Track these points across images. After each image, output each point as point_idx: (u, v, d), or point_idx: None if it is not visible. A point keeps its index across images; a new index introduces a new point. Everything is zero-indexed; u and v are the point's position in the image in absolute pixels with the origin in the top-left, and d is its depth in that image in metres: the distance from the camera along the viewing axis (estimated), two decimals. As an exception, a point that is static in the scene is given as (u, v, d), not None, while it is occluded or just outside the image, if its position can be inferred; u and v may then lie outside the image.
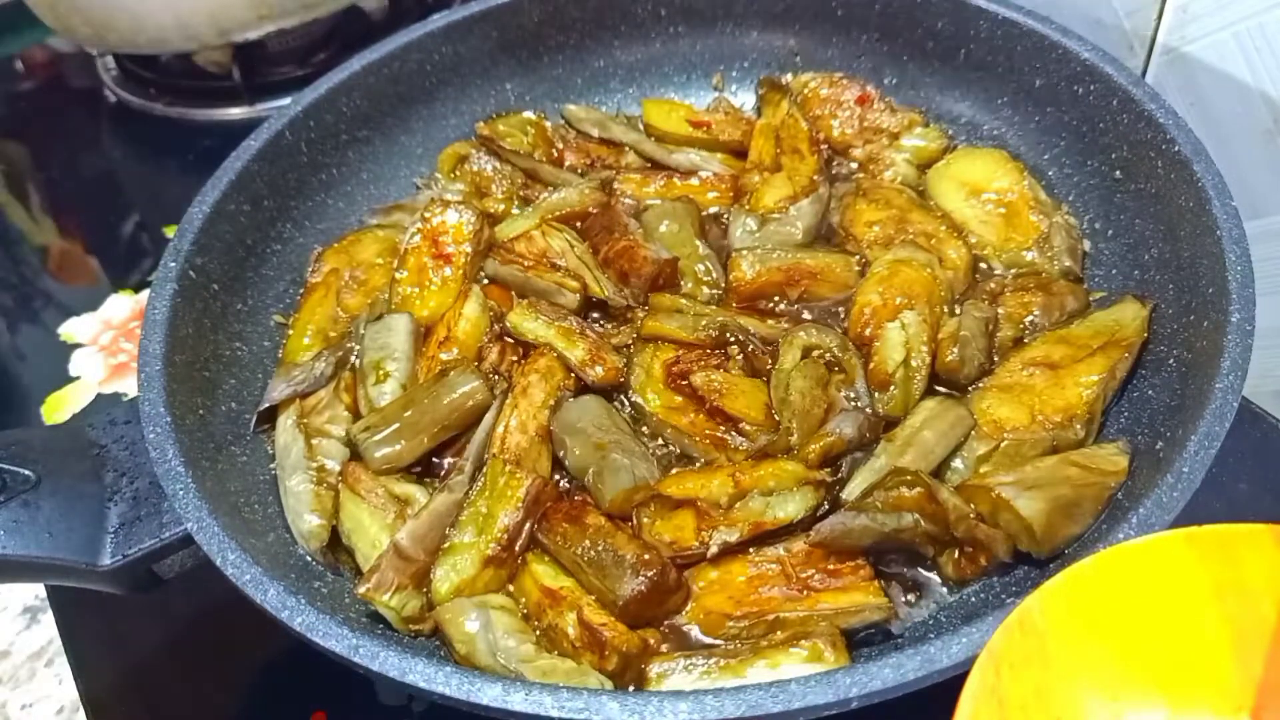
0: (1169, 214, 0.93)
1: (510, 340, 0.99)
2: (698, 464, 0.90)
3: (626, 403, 0.95)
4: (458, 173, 1.20)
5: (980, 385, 0.92)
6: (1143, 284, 0.96)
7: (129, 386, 1.21)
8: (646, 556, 0.79)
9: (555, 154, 1.22)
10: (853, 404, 0.91)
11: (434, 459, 0.92)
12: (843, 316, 0.99)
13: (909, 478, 0.81)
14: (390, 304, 1.03)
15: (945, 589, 0.82)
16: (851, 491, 0.85)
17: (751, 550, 0.82)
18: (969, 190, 1.08)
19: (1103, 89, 1.01)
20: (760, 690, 0.62)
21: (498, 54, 1.25)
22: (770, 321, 0.99)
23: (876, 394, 0.91)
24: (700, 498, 0.84)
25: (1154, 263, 0.95)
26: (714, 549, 0.82)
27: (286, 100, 1.13)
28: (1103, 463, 0.82)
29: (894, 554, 0.83)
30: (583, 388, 0.95)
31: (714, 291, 1.03)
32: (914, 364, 0.91)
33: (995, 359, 0.94)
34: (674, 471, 0.89)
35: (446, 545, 0.84)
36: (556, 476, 0.90)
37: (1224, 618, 0.49)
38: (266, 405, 0.96)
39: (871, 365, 0.93)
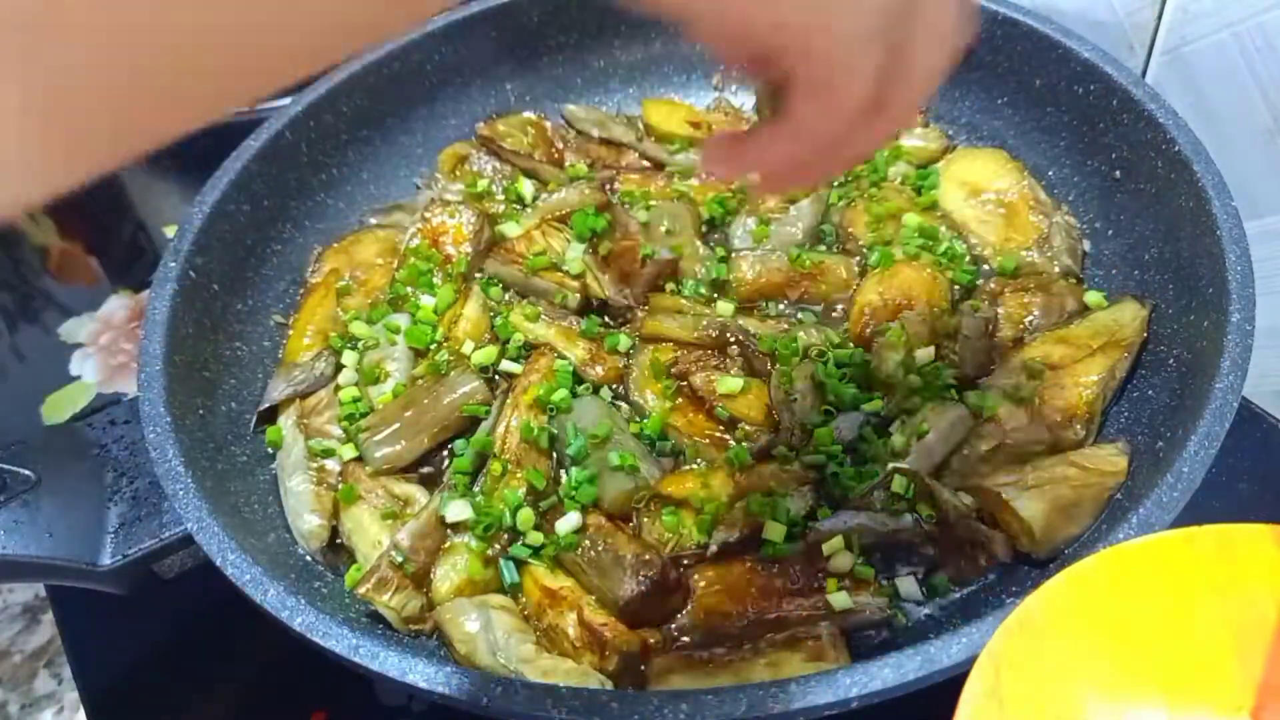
0: (1169, 214, 0.93)
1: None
2: (698, 464, 0.90)
3: (626, 403, 0.95)
4: (458, 173, 1.20)
5: (980, 385, 0.92)
6: (1143, 284, 0.96)
7: (129, 386, 1.21)
8: (646, 556, 0.79)
9: (555, 154, 1.22)
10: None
11: (433, 459, 0.92)
12: (843, 316, 0.99)
13: (909, 478, 0.81)
14: (390, 304, 1.03)
15: (945, 589, 0.82)
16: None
17: (751, 550, 0.82)
18: (969, 190, 1.08)
19: (1103, 89, 1.01)
20: (760, 690, 0.62)
21: (498, 54, 1.25)
22: (770, 321, 0.99)
23: (877, 394, 0.91)
24: (700, 497, 0.84)
25: (1154, 263, 0.95)
26: (714, 549, 0.82)
27: (286, 100, 1.13)
28: (1102, 463, 0.82)
29: (894, 554, 0.83)
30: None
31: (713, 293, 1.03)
32: (914, 364, 0.91)
33: (995, 359, 0.94)
34: (674, 471, 0.89)
35: (446, 545, 0.84)
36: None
37: (1224, 618, 0.49)
38: (266, 405, 0.96)
39: (871, 365, 0.93)
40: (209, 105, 0.34)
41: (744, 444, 0.88)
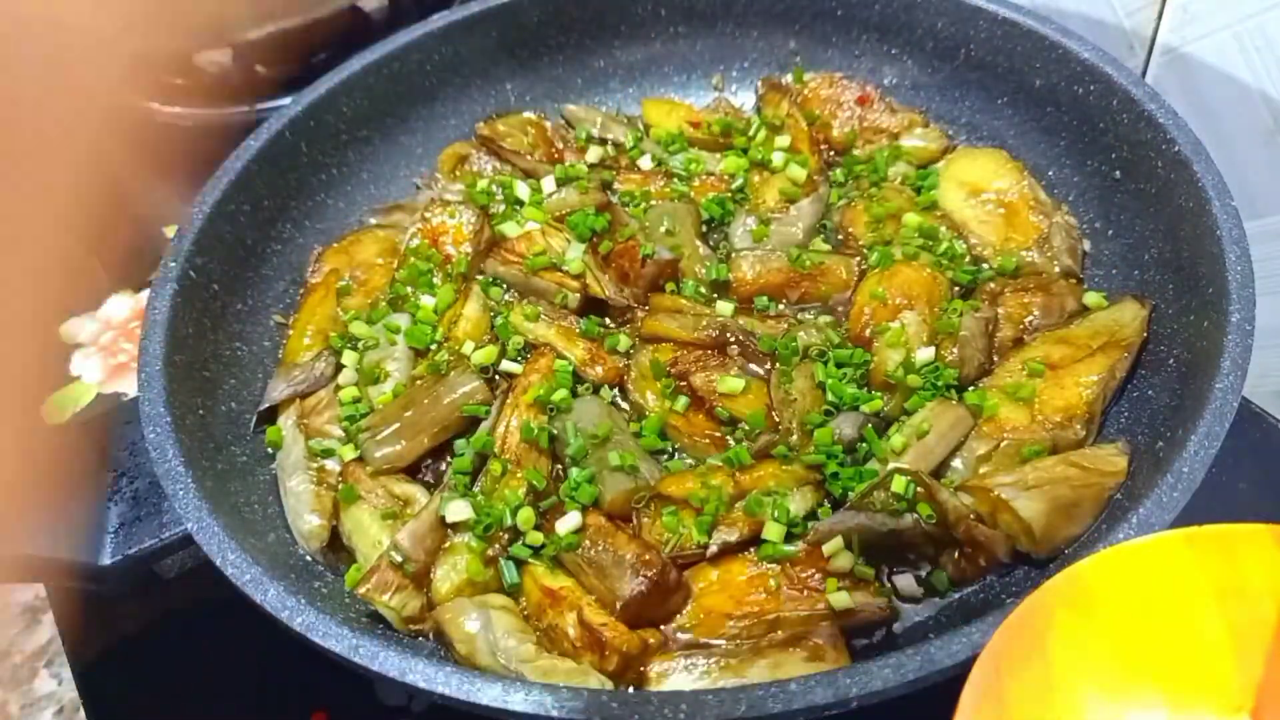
0: (1169, 214, 0.93)
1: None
2: (698, 464, 0.90)
3: (626, 403, 0.95)
4: (458, 173, 1.20)
5: (980, 385, 0.92)
6: (1143, 284, 0.96)
7: (129, 386, 1.21)
8: (647, 556, 0.79)
9: (555, 154, 1.22)
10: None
11: (433, 459, 0.92)
12: (843, 316, 0.99)
13: (909, 478, 0.81)
14: (390, 304, 1.02)
15: (945, 589, 0.82)
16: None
17: (751, 550, 0.82)
18: (969, 190, 1.08)
19: (1103, 89, 1.01)
20: (760, 690, 0.62)
21: (498, 54, 1.25)
22: (770, 321, 0.99)
23: (877, 394, 0.91)
24: (700, 497, 0.83)
25: (1154, 263, 0.95)
26: (714, 549, 0.82)
27: (286, 100, 1.13)
28: (1102, 463, 0.82)
29: (894, 554, 0.83)
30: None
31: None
32: (914, 364, 0.91)
33: (995, 359, 0.94)
34: (674, 471, 0.89)
35: (446, 545, 0.84)
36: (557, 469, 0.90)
37: (1224, 618, 0.49)
38: (266, 405, 0.96)
39: (871, 365, 0.93)
40: None
41: (744, 444, 0.88)
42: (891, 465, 0.84)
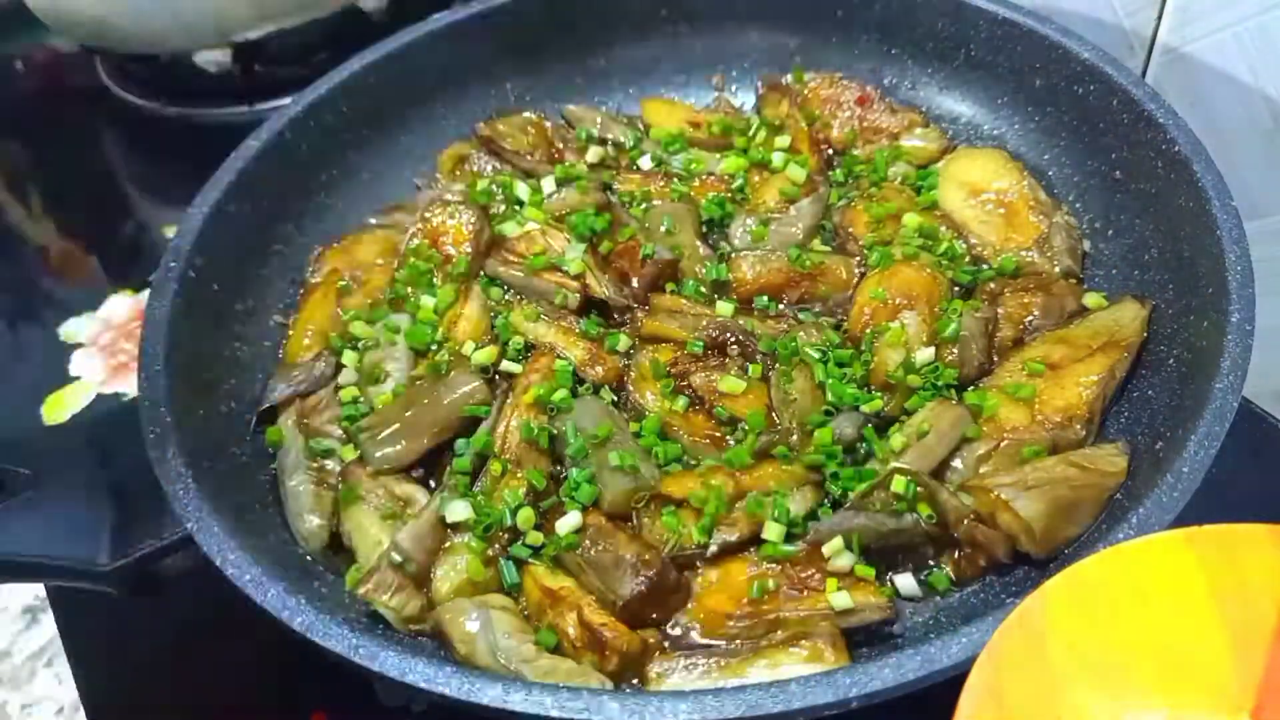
0: (1169, 214, 0.93)
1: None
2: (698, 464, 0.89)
3: (626, 402, 0.95)
4: (458, 173, 1.20)
5: (980, 385, 0.91)
6: (1143, 284, 0.96)
7: (129, 386, 1.21)
8: (646, 556, 0.79)
9: (555, 154, 1.22)
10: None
11: (433, 459, 0.92)
12: (843, 316, 0.99)
13: (909, 478, 0.81)
14: (390, 304, 1.02)
15: (945, 589, 0.82)
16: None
17: (752, 550, 0.82)
18: (969, 190, 1.08)
19: (1103, 89, 1.01)
20: (760, 690, 0.62)
21: (498, 54, 1.25)
22: (770, 321, 0.99)
23: (877, 394, 0.91)
24: (700, 497, 0.83)
25: (1154, 263, 0.95)
26: (714, 549, 0.82)
27: (286, 100, 1.13)
28: (1102, 463, 0.82)
29: (894, 554, 0.83)
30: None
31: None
32: (914, 364, 0.91)
33: (995, 359, 0.94)
34: (674, 471, 0.89)
35: (446, 545, 0.84)
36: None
37: (1224, 618, 0.49)
38: (266, 405, 0.96)
39: (872, 365, 0.93)
40: None
41: (744, 444, 0.88)
42: (891, 465, 0.84)
